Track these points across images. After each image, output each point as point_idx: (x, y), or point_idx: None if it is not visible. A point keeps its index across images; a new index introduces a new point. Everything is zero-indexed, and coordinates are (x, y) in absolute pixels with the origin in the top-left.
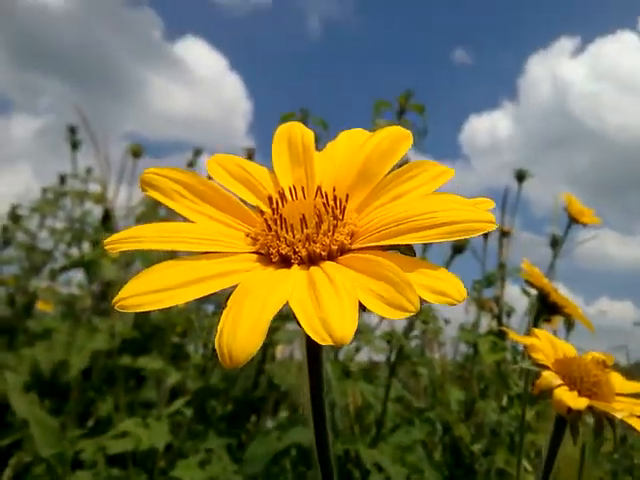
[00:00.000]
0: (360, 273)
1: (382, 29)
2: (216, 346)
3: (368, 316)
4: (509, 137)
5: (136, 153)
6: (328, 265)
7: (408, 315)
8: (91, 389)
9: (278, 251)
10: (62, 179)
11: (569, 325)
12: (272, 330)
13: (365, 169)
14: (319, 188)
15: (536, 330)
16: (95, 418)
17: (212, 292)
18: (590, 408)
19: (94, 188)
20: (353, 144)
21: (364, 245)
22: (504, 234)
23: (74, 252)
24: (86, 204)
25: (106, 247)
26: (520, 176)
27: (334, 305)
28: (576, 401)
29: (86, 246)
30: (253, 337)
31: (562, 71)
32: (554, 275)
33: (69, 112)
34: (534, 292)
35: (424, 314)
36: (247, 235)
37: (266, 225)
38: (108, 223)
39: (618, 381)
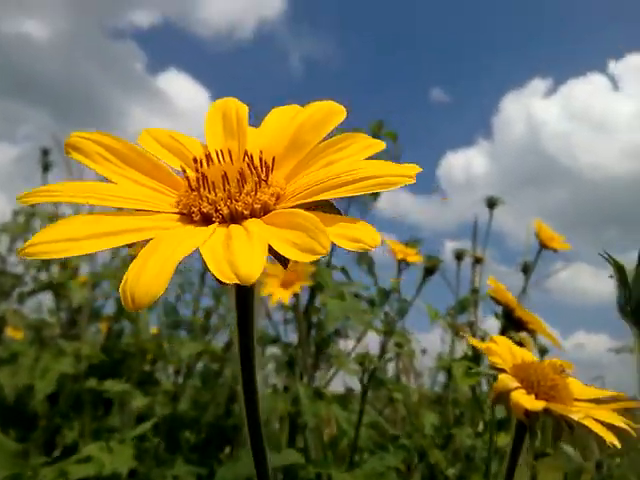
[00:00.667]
0: (279, 227)
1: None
2: (120, 292)
3: (344, 342)
4: (485, 173)
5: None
6: (248, 221)
7: (318, 257)
8: (58, 415)
9: (200, 209)
10: None
11: (542, 351)
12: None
13: (296, 138)
14: (246, 152)
15: (494, 336)
16: (62, 446)
17: (124, 244)
18: (547, 411)
19: (66, 211)
20: (286, 116)
21: (288, 205)
22: (477, 260)
23: (44, 276)
24: None
25: (19, 200)
26: (491, 203)
27: (243, 249)
28: (533, 403)
29: (55, 270)
30: (157, 280)
31: (535, 111)
32: (527, 302)
33: (47, 140)
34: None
35: (398, 335)
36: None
37: (188, 185)
38: None
39: (577, 387)
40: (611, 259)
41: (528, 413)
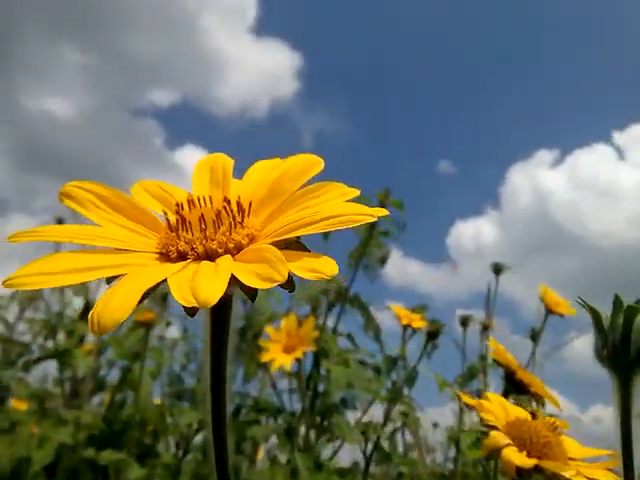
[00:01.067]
0: (246, 262)
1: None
2: (89, 319)
3: (352, 413)
4: (494, 242)
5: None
6: (220, 258)
7: (276, 284)
8: None
9: (177, 248)
10: None
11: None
12: (247, 424)
13: (275, 187)
14: (225, 197)
15: (488, 394)
16: None
17: (100, 278)
18: (539, 468)
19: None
20: (267, 168)
21: (259, 245)
22: (485, 328)
23: (50, 345)
24: (66, 296)
25: (9, 240)
26: (497, 269)
27: (206, 277)
28: (524, 460)
29: (62, 337)
30: (123, 306)
31: (542, 180)
32: (539, 371)
33: (63, 211)
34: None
35: (403, 403)
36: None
37: (169, 226)
38: (87, 315)
39: (572, 446)
40: (586, 305)
41: (520, 471)
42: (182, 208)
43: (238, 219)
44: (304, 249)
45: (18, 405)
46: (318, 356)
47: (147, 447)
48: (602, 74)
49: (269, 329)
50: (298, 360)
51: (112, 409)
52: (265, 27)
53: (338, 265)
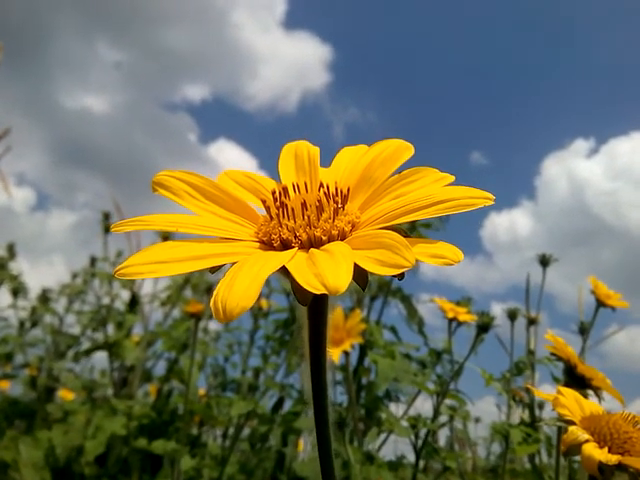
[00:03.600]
0: (358, 249)
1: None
2: (211, 305)
3: (396, 406)
4: (530, 234)
5: (166, 239)
6: (328, 244)
7: (404, 270)
8: (106, 477)
9: (280, 236)
10: (92, 261)
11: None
12: (293, 416)
13: (367, 174)
14: (321, 183)
15: (561, 388)
16: None
17: (209, 267)
18: (622, 465)
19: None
20: (356, 155)
21: (364, 232)
22: (531, 322)
23: (99, 337)
24: (114, 288)
25: (112, 229)
26: (544, 261)
27: (329, 263)
28: (607, 456)
29: (111, 329)
30: (248, 292)
31: (578, 170)
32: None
33: (104, 205)
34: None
35: (452, 396)
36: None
37: (269, 214)
38: (135, 307)
39: None
40: None
41: (601, 468)
42: (282, 196)
43: (340, 205)
44: (407, 236)
45: (66, 395)
46: (364, 349)
47: (194, 438)
48: (636, 64)
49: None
50: (346, 353)
51: (160, 400)
52: (295, 20)
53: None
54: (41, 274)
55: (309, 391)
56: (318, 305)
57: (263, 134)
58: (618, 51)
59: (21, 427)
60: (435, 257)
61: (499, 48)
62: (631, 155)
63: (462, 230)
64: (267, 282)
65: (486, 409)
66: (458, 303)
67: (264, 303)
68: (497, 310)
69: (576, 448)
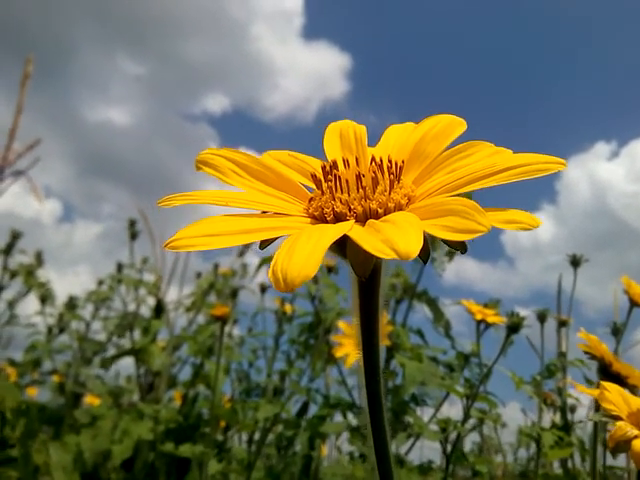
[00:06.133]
0: (423, 219)
1: None
2: (269, 275)
3: (421, 409)
4: (552, 239)
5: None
6: (387, 215)
7: (477, 234)
8: None
9: (333, 209)
10: (119, 267)
11: None
12: (319, 420)
13: (419, 149)
14: (373, 157)
15: (605, 383)
16: None
17: (261, 240)
18: None
19: (149, 279)
20: (405, 131)
21: (422, 204)
22: (562, 324)
23: (125, 343)
24: (140, 294)
25: (160, 203)
26: (575, 262)
27: (396, 230)
28: None
29: (137, 335)
30: (309, 260)
31: (599, 173)
32: None
33: (129, 215)
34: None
35: (482, 399)
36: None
37: (319, 189)
38: (161, 313)
39: None
40: None
41: None
42: (334, 169)
43: (396, 178)
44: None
45: (92, 401)
46: (390, 352)
47: (219, 442)
48: None
49: (342, 324)
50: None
51: (186, 405)
52: (313, 31)
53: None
54: (68, 284)
55: (361, 383)
56: (370, 282)
57: (282, 144)
58: (638, 53)
59: (49, 433)
60: (511, 222)
61: (519, 52)
62: None
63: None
64: None
65: (511, 415)
66: (486, 305)
67: (288, 307)
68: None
69: (625, 444)
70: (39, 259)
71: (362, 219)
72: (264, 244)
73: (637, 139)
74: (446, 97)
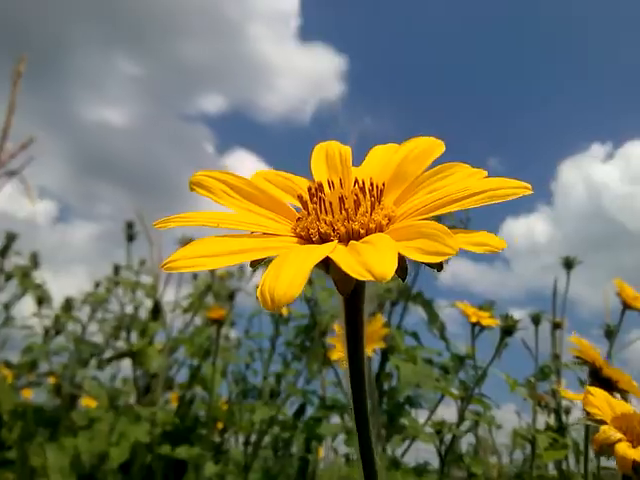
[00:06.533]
0: (399, 240)
1: None
2: (257, 294)
3: (416, 413)
4: (548, 240)
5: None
6: (368, 237)
7: (447, 257)
8: None
9: (318, 230)
10: (116, 269)
11: None
12: (315, 422)
13: (400, 170)
14: (356, 179)
15: (591, 388)
16: None
17: (252, 260)
18: None
19: (146, 281)
20: (387, 152)
21: (401, 225)
22: (556, 326)
23: (122, 345)
24: (137, 296)
25: (156, 225)
26: (568, 263)
27: (373, 252)
28: None
29: (134, 337)
30: (294, 281)
31: (595, 174)
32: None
33: (126, 215)
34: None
35: (476, 401)
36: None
37: (305, 210)
38: (158, 315)
39: None
40: None
41: (636, 467)
42: (318, 191)
43: (376, 199)
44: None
45: (89, 403)
46: (385, 354)
47: (216, 444)
48: None
49: (337, 327)
50: (367, 358)
51: (182, 407)
52: (310, 32)
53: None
54: (64, 285)
55: (348, 390)
56: (355, 298)
57: (278, 145)
58: (632, 54)
59: (46, 435)
60: (478, 245)
61: (515, 54)
62: None
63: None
64: None
65: (506, 417)
66: (481, 307)
67: (284, 310)
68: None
69: (609, 448)
70: (35, 261)
71: (345, 239)
72: (254, 263)
73: (632, 141)
74: (441, 99)
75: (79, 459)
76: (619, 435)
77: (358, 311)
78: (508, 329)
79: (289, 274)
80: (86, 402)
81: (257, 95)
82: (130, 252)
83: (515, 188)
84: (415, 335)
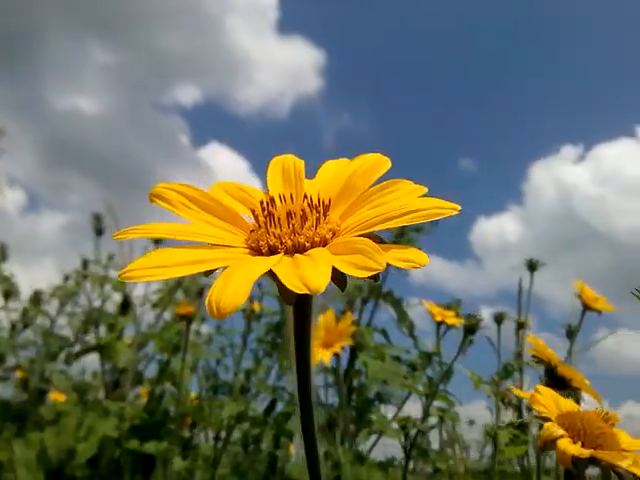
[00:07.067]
0: (338, 254)
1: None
2: (205, 304)
3: (385, 409)
4: (519, 239)
5: (158, 242)
6: (311, 250)
7: (375, 272)
8: (98, 479)
9: (267, 243)
10: (84, 263)
11: None
12: (284, 417)
13: (347, 185)
14: (305, 195)
15: (539, 387)
16: None
17: (205, 270)
18: (594, 459)
19: (114, 275)
20: (338, 167)
21: (344, 239)
22: (520, 325)
23: (91, 339)
24: (106, 290)
25: (115, 237)
26: (532, 266)
27: (310, 267)
28: (580, 450)
29: (103, 331)
30: (239, 291)
31: (565, 176)
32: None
33: (95, 207)
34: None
35: (441, 398)
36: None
37: (257, 223)
38: (127, 310)
39: (625, 438)
40: None
41: (575, 461)
42: (269, 206)
43: (321, 214)
44: (383, 242)
45: (57, 398)
46: (354, 351)
47: (186, 440)
48: (624, 68)
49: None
50: (336, 355)
51: (152, 402)
52: (288, 25)
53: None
54: (32, 276)
55: (295, 391)
56: (303, 306)
57: (255, 138)
58: (605, 56)
59: (12, 430)
60: (404, 261)
61: (487, 55)
62: (616, 160)
63: (452, 235)
64: (259, 285)
65: (481, 413)
66: (448, 306)
67: (256, 306)
68: (486, 314)
69: (551, 443)
70: (3, 253)
71: (292, 251)
72: (208, 273)
73: (603, 143)
74: (418, 98)
75: (46, 454)
76: (561, 431)
77: (306, 317)
78: (471, 327)
79: (234, 285)
80: (55, 397)
81: (234, 88)
82: (99, 245)
83: (444, 209)
84: (384, 333)
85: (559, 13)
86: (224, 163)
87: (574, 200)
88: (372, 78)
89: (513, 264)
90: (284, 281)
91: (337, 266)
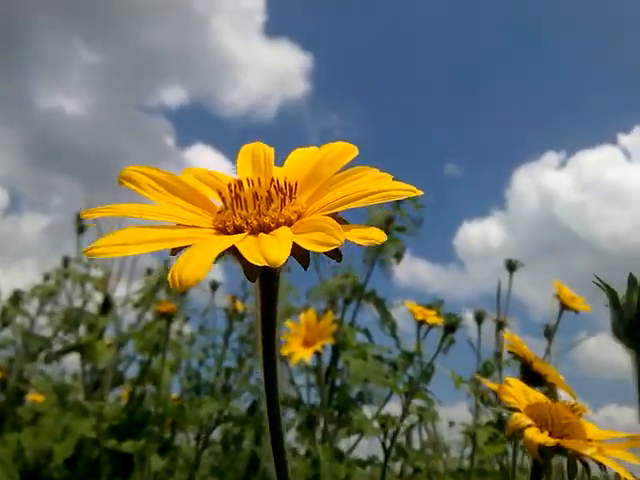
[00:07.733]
0: (301, 232)
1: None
2: (168, 277)
3: (367, 408)
4: (502, 244)
5: None
6: (277, 229)
7: (334, 247)
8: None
9: (233, 223)
10: (65, 262)
11: None
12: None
13: (315, 171)
14: (272, 178)
15: (509, 379)
16: None
17: (168, 248)
18: (560, 448)
19: (96, 274)
20: (306, 154)
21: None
22: (500, 325)
23: (71, 339)
24: (87, 290)
25: (82, 216)
26: (511, 266)
27: (271, 242)
28: (546, 439)
29: (83, 331)
30: (201, 265)
31: (548, 182)
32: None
33: (78, 207)
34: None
35: (420, 396)
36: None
37: (224, 204)
38: (108, 309)
39: (592, 429)
40: (603, 284)
41: (542, 450)
42: (237, 188)
43: (287, 197)
44: (346, 223)
45: (36, 398)
46: (336, 350)
47: (166, 440)
48: (607, 75)
49: (289, 323)
50: (317, 354)
51: (132, 402)
52: (275, 28)
53: (353, 262)
54: (13, 278)
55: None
56: (269, 280)
57: (240, 140)
58: (587, 63)
59: None
60: (363, 238)
61: (472, 61)
62: (597, 167)
63: (436, 239)
64: (244, 284)
65: (462, 414)
66: (429, 306)
67: (239, 305)
68: (469, 317)
69: (519, 432)
70: None
71: (257, 231)
72: (174, 251)
73: (584, 150)
74: (404, 102)
75: (23, 455)
76: (529, 421)
77: (271, 292)
78: (451, 326)
79: (197, 259)
80: (34, 397)
81: (220, 90)
82: (80, 244)
83: (403, 190)
84: (367, 332)
85: (542, 21)
86: (209, 164)
87: (556, 206)
88: (359, 83)
89: (495, 268)
90: (245, 254)
91: (299, 243)
